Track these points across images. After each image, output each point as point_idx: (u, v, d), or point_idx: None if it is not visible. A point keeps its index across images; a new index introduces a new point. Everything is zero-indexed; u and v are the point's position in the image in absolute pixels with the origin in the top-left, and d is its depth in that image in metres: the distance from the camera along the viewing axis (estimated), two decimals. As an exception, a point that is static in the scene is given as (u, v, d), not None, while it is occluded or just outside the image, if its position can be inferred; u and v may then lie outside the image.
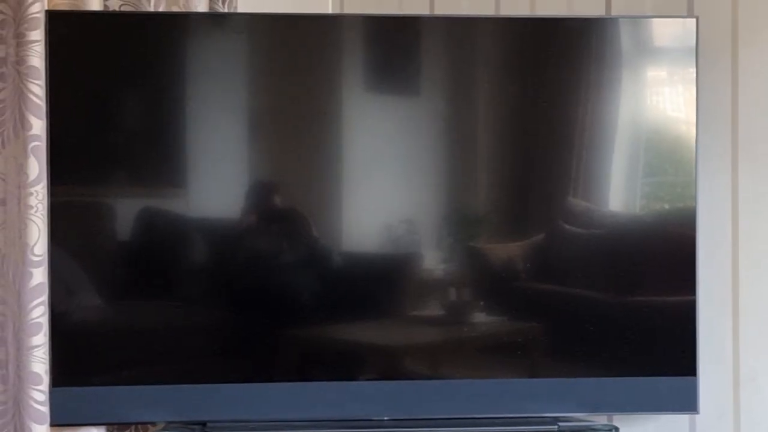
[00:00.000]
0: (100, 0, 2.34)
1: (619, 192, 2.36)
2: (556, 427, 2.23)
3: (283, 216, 2.31)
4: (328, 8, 2.73)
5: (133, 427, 2.44)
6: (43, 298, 2.23)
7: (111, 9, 2.38)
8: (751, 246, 2.37)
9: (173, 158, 2.30)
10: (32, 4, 2.22)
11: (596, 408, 2.31)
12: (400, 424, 2.25)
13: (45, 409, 2.23)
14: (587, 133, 2.31)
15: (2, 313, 2.30)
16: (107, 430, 2.37)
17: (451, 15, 2.53)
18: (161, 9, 2.39)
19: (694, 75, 2.28)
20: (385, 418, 2.25)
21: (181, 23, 2.33)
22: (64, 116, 2.22)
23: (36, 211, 2.22)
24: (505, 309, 2.36)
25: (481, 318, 2.33)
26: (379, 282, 2.34)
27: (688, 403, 2.28)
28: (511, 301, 2.35)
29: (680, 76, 2.31)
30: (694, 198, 2.29)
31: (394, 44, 2.32)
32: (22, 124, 2.24)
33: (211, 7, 2.45)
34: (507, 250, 2.35)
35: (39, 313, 2.23)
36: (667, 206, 2.34)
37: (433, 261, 2.35)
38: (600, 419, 2.37)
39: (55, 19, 2.22)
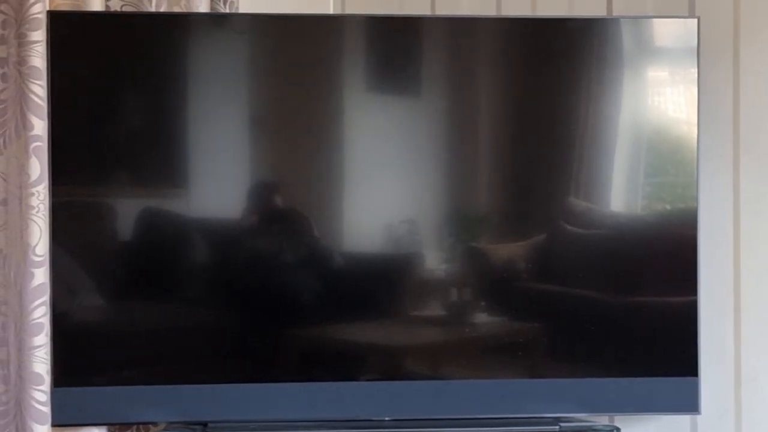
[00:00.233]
0: (101, 0, 2.34)
1: (620, 192, 2.36)
2: (557, 427, 2.22)
3: (284, 216, 2.31)
4: (329, 8, 2.73)
5: (134, 427, 2.44)
6: (45, 298, 2.23)
7: (112, 9, 2.38)
8: (753, 246, 2.37)
9: (174, 158, 2.30)
10: (34, 4, 2.22)
11: (597, 408, 2.31)
12: (401, 425, 2.25)
13: (46, 410, 2.23)
14: (588, 134, 2.31)
15: (4, 313, 2.31)
16: (108, 430, 2.37)
17: (452, 15, 2.53)
18: (162, 9, 2.39)
19: (696, 75, 2.28)
20: (386, 418, 2.25)
21: (183, 24, 2.33)
22: (65, 116, 2.23)
23: (37, 212, 2.23)
24: (506, 309, 2.36)
25: (482, 318, 2.33)
26: (380, 282, 2.34)
27: (689, 404, 2.28)
28: (513, 302, 2.35)
29: (681, 76, 2.30)
30: (696, 198, 2.28)
31: (395, 44, 2.32)
32: (23, 124, 2.24)
33: (212, 8, 2.45)
34: (508, 251, 2.35)
35: (40, 313, 2.23)
36: (668, 206, 2.34)
37: (434, 261, 2.35)
38: (601, 420, 2.37)
39: (56, 19, 2.22)
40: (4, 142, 2.29)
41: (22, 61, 2.23)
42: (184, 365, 2.28)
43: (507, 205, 2.39)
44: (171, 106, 2.30)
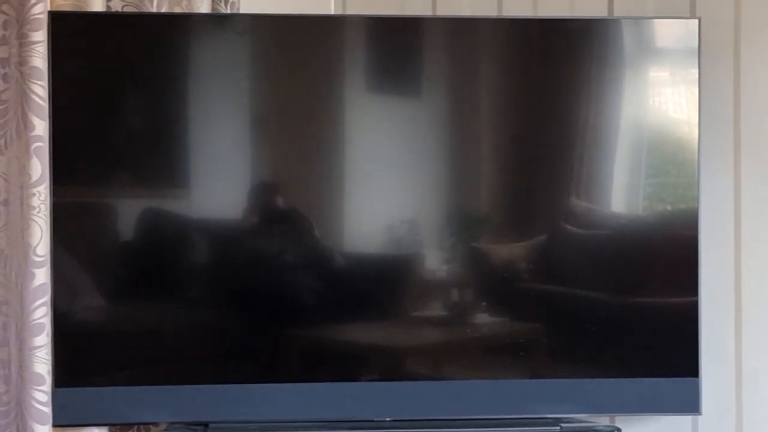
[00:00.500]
0: (102, 1, 2.34)
1: (621, 193, 2.36)
2: (558, 428, 2.22)
3: (285, 217, 2.32)
4: (330, 9, 2.73)
5: (135, 427, 2.44)
6: (46, 298, 2.23)
7: (113, 10, 2.38)
8: (754, 246, 2.37)
9: (176, 159, 2.30)
10: (35, 4, 2.22)
11: (598, 409, 2.31)
12: (403, 425, 2.25)
13: (47, 410, 2.23)
14: (589, 134, 2.31)
15: (5, 313, 2.31)
16: (109, 430, 2.37)
17: (453, 16, 2.53)
18: (164, 10, 2.39)
19: (697, 76, 2.28)
20: (388, 419, 2.25)
21: (184, 24, 2.33)
22: (66, 117, 2.23)
23: (38, 212, 2.23)
24: (507, 310, 2.36)
25: (483, 319, 2.33)
26: (381, 282, 2.34)
27: (690, 404, 2.28)
28: (514, 302, 2.35)
29: (682, 77, 2.30)
30: (697, 199, 2.28)
31: (396, 45, 2.32)
32: (24, 124, 2.24)
33: (213, 8, 2.45)
34: (509, 251, 2.35)
35: (41, 313, 2.23)
36: (669, 207, 2.34)
37: (435, 262, 2.35)
38: (602, 420, 2.37)
39: (57, 19, 2.22)
40: (5, 142, 2.29)
41: (23, 62, 2.23)
42: (185, 365, 2.28)
43: (508, 205, 2.40)
44: (172, 106, 2.30)
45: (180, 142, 2.29)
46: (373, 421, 2.25)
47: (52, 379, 2.22)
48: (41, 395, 2.23)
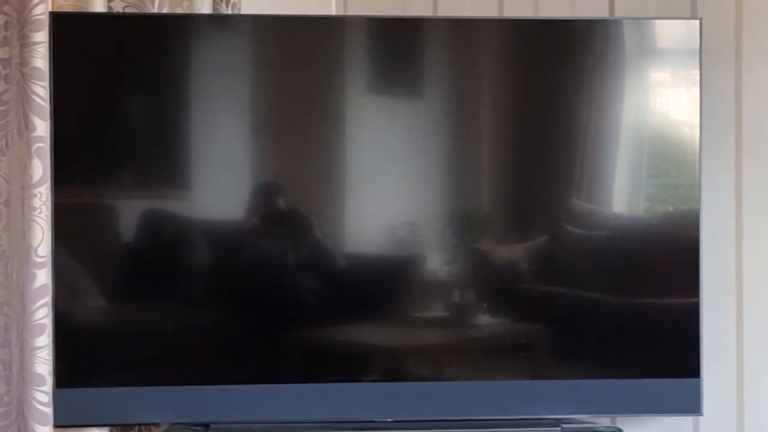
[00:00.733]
0: (104, 2, 2.34)
1: (622, 193, 2.36)
2: (559, 428, 2.22)
3: (286, 217, 2.32)
4: (332, 9, 2.73)
5: (136, 428, 2.44)
6: (47, 299, 2.23)
7: (115, 11, 2.38)
8: (755, 247, 2.37)
9: (177, 160, 2.30)
10: (36, 5, 2.22)
11: (599, 410, 2.31)
12: (404, 426, 2.25)
13: (48, 410, 2.23)
14: (590, 135, 2.31)
15: (6, 314, 2.31)
16: (110, 431, 2.37)
17: (455, 16, 2.53)
18: (165, 11, 2.39)
19: (698, 76, 2.28)
20: (389, 420, 2.25)
21: (185, 25, 2.34)
22: (67, 118, 2.23)
23: (40, 213, 2.23)
24: (508, 310, 2.36)
25: (484, 319, 2.33)
26: (383, 283, 2.34)
27: (691, 405, 2.28)
28: (515, 303, 2.35)
29: (684, 78, 2.30)
30: (698, 199, 2.28)
31: (397, 46, 2.32)
32: (26, 125, 2.24)
33: (214, 9, 2.45)
34: (510, 252, 2.35)
35: (42, 314, 2.23)
36: (670, 208, 2.34)
37: (436, 262, 2.35)
38: (603, 421, 2.37)
39: (59, 20, 2.22)
40: (7, 143, 2.29)
41: (24, 63, 2.24)
42: (186, 366, 2.28)
43: (509, 206, 2.40)
44: (173, 107, 2.30)
45: (181, 143, 2.29)
46: (374, 422, 2.25)
47: (53, 380, 2.22)
48: (42, 396, 2.23)
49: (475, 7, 2.61)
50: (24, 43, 2.23)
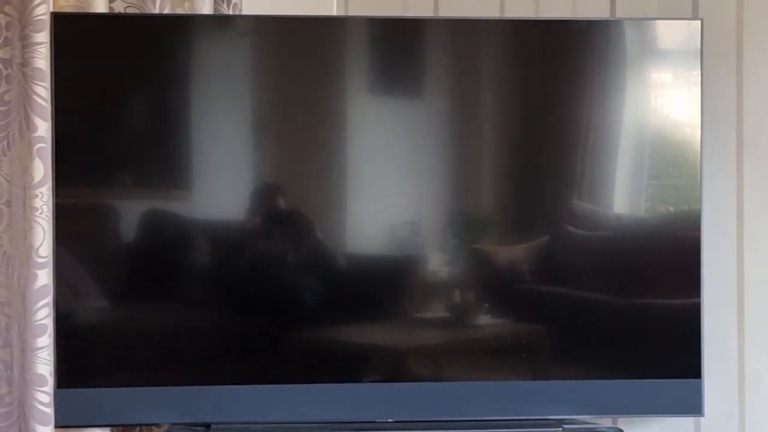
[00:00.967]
0: (105, 2, 2.34)
1: (623, 194, 2.36)
2: (560, 429, 2.22)
3: (287, 218, 2.32)
4: (333, 10, 2.73)
5: (137, 428, 2.44)
6: (48, 299, 2.23)
7: (116, 11, 2.39)
8: (756, 247, 2.37)
9: (178, 160, 2.30)
10: (38, 6, 2.22)
11: (601, 410, 2.30)
12: (405, 426, 2.25)
13: (50, 411, 2.23)
14: (591, 136, 2.31)
15: (7, 314, 2.31)
16: (111, 431, 2.38)
17: (456, 17, 2.53)
18: (166, 11, 2.40)
19: (699, 77, 2.28)
20: (390, 420, 2.25)
21: (186, 25, 2.34)
22: (69, 118, 2.23)
23: (41, 213, 2.23)
24: (509, 311, 2.36)
25: (485, 320, 2.33)
26: (384, 284, 2.34)
27: (693, 406, 2.27)
28: (516, 303, 2.35)
29: (685, 78, 2.30)
30: (699, 200, 2.28)
31: (398, 46, 2.32)
32: (27, 125, 2.25)
33: (215, 9, 2.45)
34: (511, 252, 2.35)
35: (44, 314, 2.23)
36: (671, 208, 2.34)
37: (437, 263, 2.35)
38: (604, 421, 2.37)
39: (60, 21, 2.22)
40: (8, 143, 2.29)
41: (25, 63, 2.24)
42: (187, 367, 2.28)
43: (510, 206, 2.40)
44: (174, 107, 2.30)
45: (182, 144, 2.29)
46: (375, 422, 2.25)
47: (55, 380, 2.22)
48: (43, 396, 2.23)
49: (476, 7, 2.61)
50: (25, 44, 2.24)
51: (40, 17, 2.23)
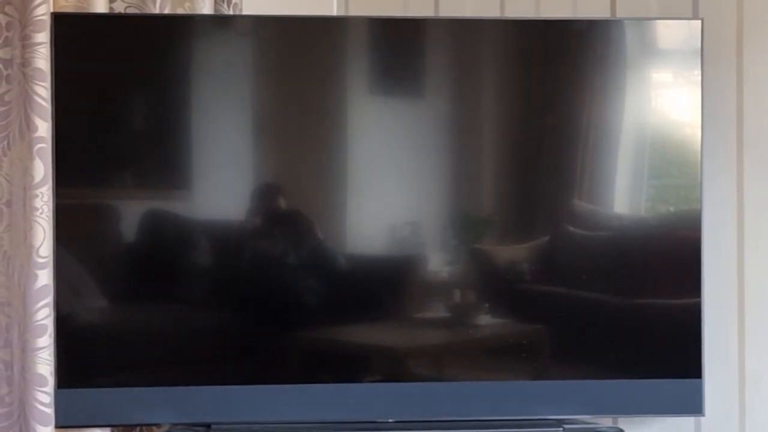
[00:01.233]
0: (105, 2, 2.35)
1: (624, 194, 2.36)
2: (560, 429, 2.22)
3: (287, 218, 2.32)
4: (333, 10, 2.73)
5: (137, 428, 2.44)
6: (48, 299, 2.24)
7: (116, 11, 2.39)
8: (756, 247, 2.37)
9: (179, 161, 2.30)
10: (38, 6, 2.23)
11: (601, 410, 2.30)
12: (405, 426, 2.25)
13: (50, 411, 2.23)
14: (592, 136, 2.31)
15: (7, 314, 2.31)
16: (112, 431, 2.38)
17: (456, 17, 2.53)
18: (166, 11, 2.40)
19: (699, 77, 2.28)
20: (390, 420, 2.25)
21: (186, 25, 2.34)
22: (69, 118, 2.23)
23: (41, 213, 2.23)
24: (509, 311, 2.36)
25: (485, 320, 2.33)
26: (384, 284, 2.34)
27: (693, 406, 2.27)
28: (516, 303, 2.35)
29: (685, 79, 2.30)
30: (699, 200, 2.28)
31: (399, 46, 2.32)
32: (27, 125, 2.25)
33: (216, 9, 2.46)
34: (512, 252, 2.35)
35: (44, 314, 2.23)
36: (672, 208, 2.34)
37: (437, 263, 2.35)
38: (605, 421, 2.37)
39: (60, 21, 2.22)
40: (8, 143, 2.29)
41: (26, 63, 2.24)
42: (187, 367, 2.28)
43: (510, 207, 2.39)
44: (175, 107, 2.30)
45: (183, 144, 2.29)
46: (375, 422, 2.25)
47: (55, 380, 2.22)
48: (44, 396, 2.23)
49: (476, 7, 2.61)
50: (25, 44, 2.24)
51: (40, 17, 2.23)
